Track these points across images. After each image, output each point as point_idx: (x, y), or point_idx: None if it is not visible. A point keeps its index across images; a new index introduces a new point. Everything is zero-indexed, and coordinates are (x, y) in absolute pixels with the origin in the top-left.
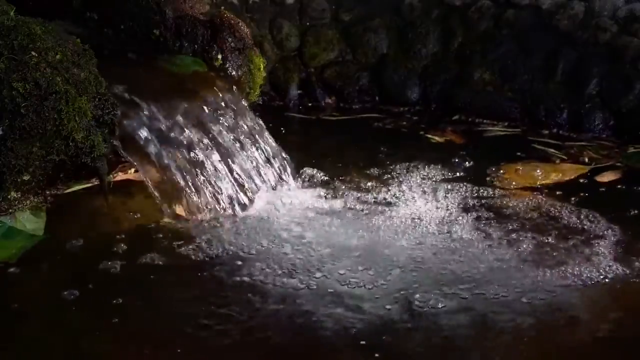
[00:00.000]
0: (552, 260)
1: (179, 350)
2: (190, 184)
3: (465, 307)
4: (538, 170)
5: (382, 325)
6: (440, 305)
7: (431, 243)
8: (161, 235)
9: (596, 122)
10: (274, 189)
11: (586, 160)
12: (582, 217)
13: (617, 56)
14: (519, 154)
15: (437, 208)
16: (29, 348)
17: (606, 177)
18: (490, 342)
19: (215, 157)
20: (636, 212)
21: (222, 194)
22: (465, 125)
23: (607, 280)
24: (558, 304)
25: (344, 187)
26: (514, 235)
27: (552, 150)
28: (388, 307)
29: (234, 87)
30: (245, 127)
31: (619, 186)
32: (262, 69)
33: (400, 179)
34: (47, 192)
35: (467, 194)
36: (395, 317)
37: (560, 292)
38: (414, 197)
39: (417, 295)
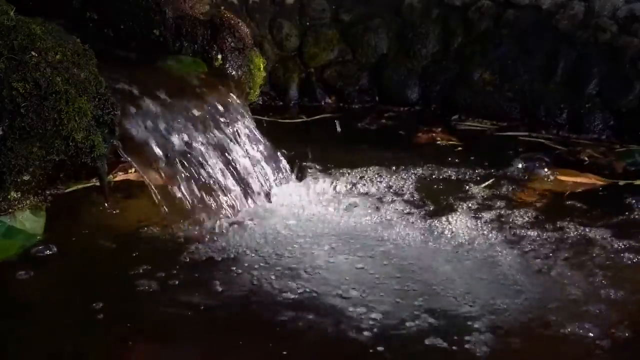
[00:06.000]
0: None
1: None
2: (190, 183)
3: None
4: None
5: None
6: None
7: None
8: (162, 235)
9: (596, 122)
10: (269, 189)
11: (585, 159)
12: None
13: (617, 56)
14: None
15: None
16: (28, 348)
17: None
18: None
19: (215, 157)
20: None
21: (222, 193)
22: (449, 125)
23: None
24: None
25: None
26: None
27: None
28: None
29: (234, 87)
30: (245, 127)
31: None
32: (262, 69)
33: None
34: (47, 192)
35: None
36: None
37: None
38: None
39: None
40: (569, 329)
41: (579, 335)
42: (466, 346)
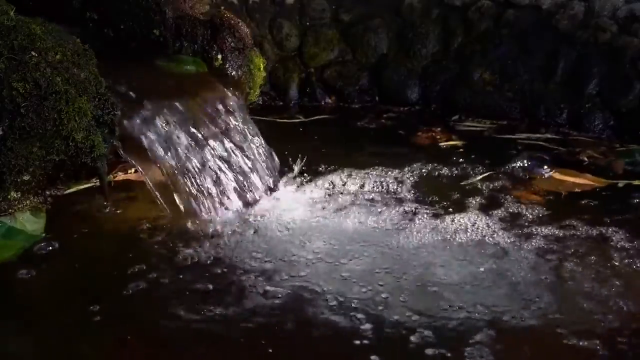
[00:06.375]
0: None
1: None
2: (190, 184)
3: None
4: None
5: None
6: None
7: None
8: (162, 236)
9: (596, 122)
10: (267, 190)
11: (585, 159)
12: None
13: (617, 56)
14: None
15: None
16: (28, 348)
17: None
18: None
19: (215, 157)
20: None
21: (220, 194)
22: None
23: None
24: None
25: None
26: None
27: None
28: None
29: (234, 88)
30: (244, 127)
31: None
32: (262, 69)
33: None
34: (47, 192)
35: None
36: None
37: None
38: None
39: None
40: (563, 332)
41: (579, 343)
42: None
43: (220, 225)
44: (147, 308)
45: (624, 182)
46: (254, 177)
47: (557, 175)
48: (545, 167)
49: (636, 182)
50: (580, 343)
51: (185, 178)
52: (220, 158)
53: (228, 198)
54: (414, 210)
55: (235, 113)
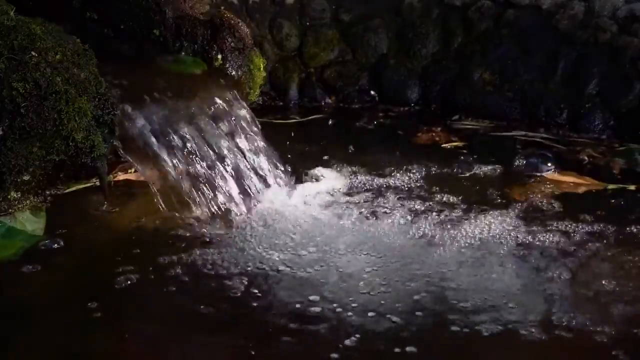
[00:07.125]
0: None
1: None
2: (190, 184)
3: None
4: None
5: None
6: None
7: None
8: (162, 236)
9: (596, 122)
10: (269, 190)
11: (585, 158)
12: None
13: (617, 56)
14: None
15: None
16: (28, 347)
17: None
18: None
19: (215, 157)
20: None
21: (219, 194)
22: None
23: None
24: None
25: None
26: None
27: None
28: None
29: (234, 88)
30: (245, 127)
31: None
32: (262, 69)
33: None
34: (47, 192)
35: None
36: None
37: None
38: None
39: None
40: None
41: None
42: None
43: (220, 225)
44: (146, 307)
45: (621, 185)
46: (254, 178)
47: (557, 176)
48: (549, 165)
49: (631, 187)
50: None
51: (185, 178)
52: (220, 158)
53: (228, 198)
54: (416, 209)
55: (236, 113)
